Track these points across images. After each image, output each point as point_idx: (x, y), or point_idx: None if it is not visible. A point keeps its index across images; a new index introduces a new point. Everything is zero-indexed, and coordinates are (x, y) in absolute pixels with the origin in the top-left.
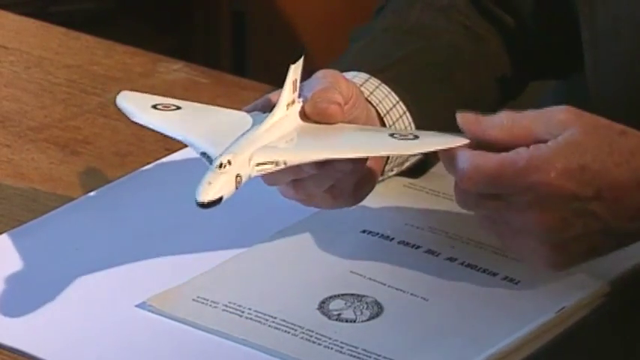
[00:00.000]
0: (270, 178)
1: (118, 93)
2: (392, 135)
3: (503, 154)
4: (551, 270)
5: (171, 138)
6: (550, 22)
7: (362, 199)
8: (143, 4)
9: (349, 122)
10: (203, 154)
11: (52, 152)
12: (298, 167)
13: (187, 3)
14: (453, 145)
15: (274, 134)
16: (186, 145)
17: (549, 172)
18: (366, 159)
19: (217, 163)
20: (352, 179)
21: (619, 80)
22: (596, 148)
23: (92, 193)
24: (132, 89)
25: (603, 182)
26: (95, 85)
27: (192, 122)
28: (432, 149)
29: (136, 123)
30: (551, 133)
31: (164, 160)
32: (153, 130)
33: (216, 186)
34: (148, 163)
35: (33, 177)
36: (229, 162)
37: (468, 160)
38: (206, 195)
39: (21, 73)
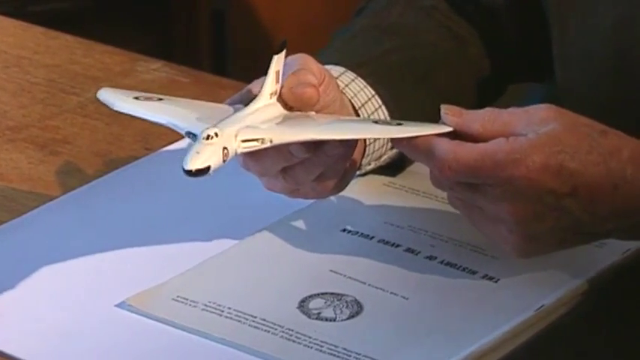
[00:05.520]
0: (261, 167)
1: (97, 92)
2: (375, 122)
3: (483, 145)
4: (518, 257)
5: (154, 123)
6: (527, 27)
7: (343, 189)
8: (122, 3)
9: (324, 106)
10: (188, 133)
11: (30, 152)
12: (290, 153)
13: (167, 2)
14: (435, 132)
15: (259, 118)
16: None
17: (527, 166)
18: (355, 144)
19: (204, 134)
20: (341, 166)
21: (590, 93)
22: (576, 146)
23: (71, 193)
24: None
25: (580, 181)
26: (74, 84)
27: (174, 109)
28: (416, 134)
29: (117, 112)
30: (531, 129)
31: (144, 159)
32: (135, 117)
33: (203, 155)
34: (128, 163)
35: (12, 177)
36: (216, 134)
37: (447, 149)
38: (194, 163)
39: None
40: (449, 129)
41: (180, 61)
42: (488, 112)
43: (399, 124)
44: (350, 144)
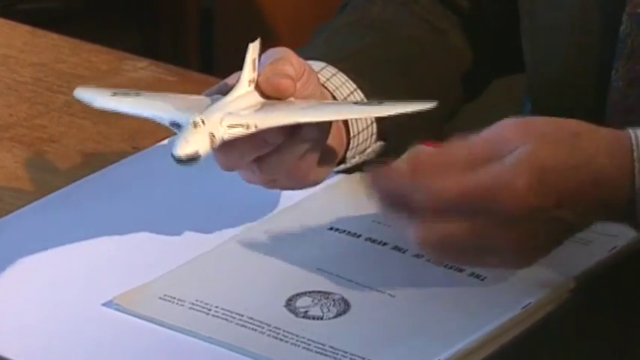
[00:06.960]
0: (232, 158)
1: (73, 92)
2: (355, 103)
3: (461, 186)
4: (516, 269)
5: (136, 117)
6: (510, 14)
7: (322, 180)
8: (109, 2)
9: (303, 100)
10: (173, 123)
11: (17, 151)
12: (264, 140)
13: (154, 1)
14: (418, 109)
15: (240, 105)
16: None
17: (511, 193)
18: (329, 129)
19: (191, 121)
20: (316, 153)
21: (556, 69)
22: (553, 157)
23: (58, 192)
24: (97, 87)
25: (561, 188)
26: (61, 83)
27: (155, 103)
28: (398, 112)
29: (101, 110)
30: (503, 154)
31: (131, 158)
32: (121, 116)
33: (192, 142)
34: (115, 162)
35: None
36: (202, 121)
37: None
38: (183, 150)
39: None
40: (432, 105)
41: (168, 59)
42: (461, 139)
43: (380, 103)
44: (324, 128)
